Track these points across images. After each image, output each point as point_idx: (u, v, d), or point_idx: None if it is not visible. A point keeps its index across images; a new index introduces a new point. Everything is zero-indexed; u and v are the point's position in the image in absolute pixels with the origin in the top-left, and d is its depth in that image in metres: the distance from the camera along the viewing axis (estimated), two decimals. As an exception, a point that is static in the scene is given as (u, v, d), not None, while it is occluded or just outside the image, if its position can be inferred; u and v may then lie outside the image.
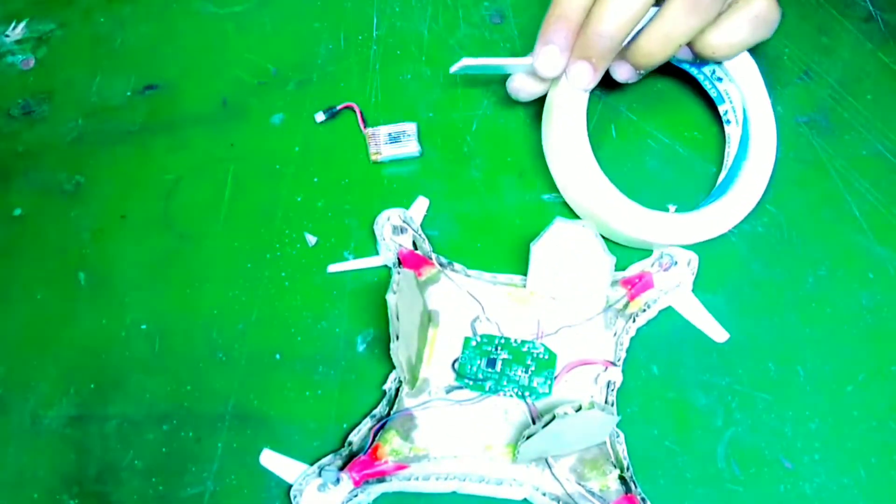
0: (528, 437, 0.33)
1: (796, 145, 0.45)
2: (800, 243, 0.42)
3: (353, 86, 0.48)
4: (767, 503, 0.36)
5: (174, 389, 0.39)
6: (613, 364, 0.38)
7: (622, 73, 0.41)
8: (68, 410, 0.39)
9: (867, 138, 0.45)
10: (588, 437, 0.35)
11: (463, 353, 0.38)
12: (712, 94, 0.45)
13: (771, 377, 0.39)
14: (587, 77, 0.40)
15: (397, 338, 0.34)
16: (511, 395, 0.37)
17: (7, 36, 0.51)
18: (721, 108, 0.45)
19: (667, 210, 0.42)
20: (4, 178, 0.45)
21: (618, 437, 0.36)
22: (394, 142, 0.45)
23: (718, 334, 0.40)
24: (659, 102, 0.47)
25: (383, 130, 0.46)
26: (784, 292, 0.41)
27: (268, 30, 0.50)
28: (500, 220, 0.43)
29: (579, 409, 0.32)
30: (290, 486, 0.36)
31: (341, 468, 0.35)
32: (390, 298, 0.33)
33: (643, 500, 0.35)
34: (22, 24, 0.51)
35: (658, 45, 0.39)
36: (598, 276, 0.38)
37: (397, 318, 0.33)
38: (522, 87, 0.43)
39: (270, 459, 0.37)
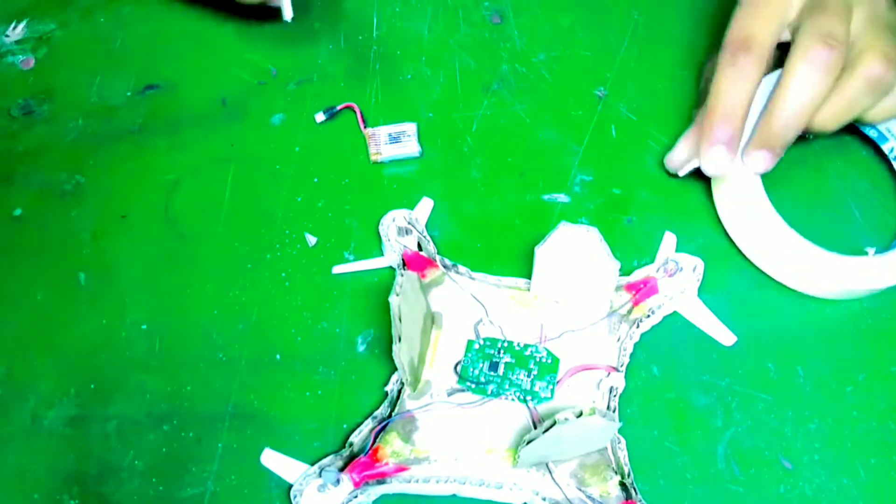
0: (528, 442, 0.33)
1: (796, 146, 0.45)
2: (800, 244, 0.42)
3: (353, 86, 0.48)
4: (767, 503, 0.36)
5: (174, 389, 0.39)
6: (616, 369, 0.38)
7: (762, 165, 0.40)
8: (68, 410, 0.39)
9: (867, 138, 0.45)
10: (589, 442, 0.35)
11: (465, 355, 0.38)
12: (872, 134, 0.44)
13: (771, 377, 0.39)
14: (767, 164, 0.39)
15: (399, 340, 0.34)
16: (513, 399, 0.37)
17: (7, 36, 0.51)
18: (885, 147, 0.44)
19: (865, 254, 0.41)
20: (5, 178, 0.45)
21: (619, 442, 0.36)
22: (394, 142, 0.45)
23: (726, 338, 0.40)
24: (659, 102, 0.47)
25: (383, 131, 0.46)
26: (784, 293, 0.41)
27: (268, 30, 0.50)
28: (500, 220, 0.43)
29: (580, 414, 0.32)
30: (290, 487, 0.36)
31: (342, 469, 0.35)
32: (393, 300, 0.33)
33: None
34: (22, 24, 0.51)
35: (832, 121, 0.39)
36: (602, 280, 0.38)
37: (400, 321, 0.33)
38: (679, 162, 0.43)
39: (271, 459, 0.37)
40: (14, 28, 0.51)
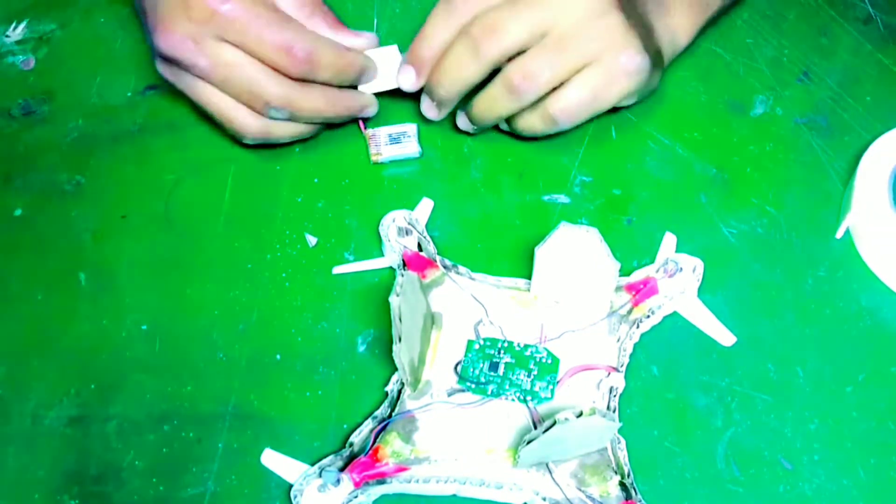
0: (528, 442, 0.33)
1: (796, 146, 0.45)
2: (799, 244, 0.42)
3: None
4: (767, 503, 0.36)
5: (175, 390, 0.39)
6: (616, 370, 0.38)
7: (461, 123, 0.45)
8: (69, 411, 0.39)
9: (867, 139, 0.45)
10: (589, 442, 0.35)
11: (466, 355, 0.38)
12: None
13: (770, 378, 0.39)
14: (433, 112, 0.45)
15: (400, 340, 0.34)
16: (513, 399, 0.37)
17: (8, 36, 0.51)
18: None
19: None
20: (5, 179, 0.45)
21: (619, 443, 0.36)
22: (394, 142, 0.45)
23: (725, 338, 0.40)
24: (659, 103, 0.47)
25: (384, 131, 0.46)
26: (784, 293, 0.41)
27: (268, 30, 0.50)
28: (500, 220, 0.44)
29: (580, 414, 0.32)
30: (290, 487, 0.36)
31: (342, 469, 0.35)
32: (393, 300, 0.33)
33: None
34: (22, 25, 0.51)
35: (484, 113, 0.43)
36: (602, 280, 0.38)
37: (400, 321, 0.33)
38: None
39: (272, 459, 0.37)
40: (14, 28, 0.51)
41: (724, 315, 0.40)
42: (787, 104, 0.47)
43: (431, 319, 0.39)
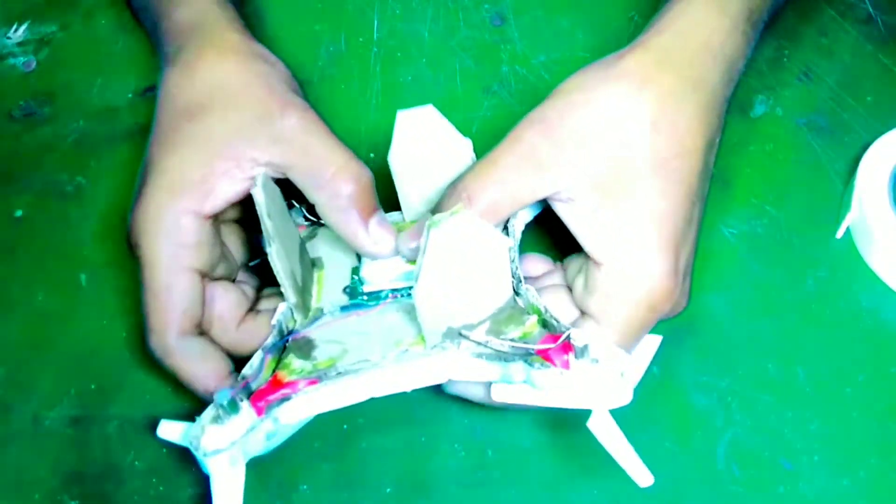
0: (416, 279, 0.30)
1: (796, 147, 0.45)
2: (799, 244, 0.42)
3: (353, 88, 0.48)
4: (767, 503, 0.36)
5: (174, 390, 0.39)
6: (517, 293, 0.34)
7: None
8: (69, 411, 0.39)
9: (867, 140, 0.45)
10: (483, 274, 0.31)
11: (352, 278, 0.37)
12: None
13: (770, 378, 0.39)
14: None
15: (272, 243, 0.32)
16: (411, 296, 0.32)
17: (9, 38, 0.51)
18: None
19: None
20: (6, 180, 0.45)
21: (516, 261, 0.34)
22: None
23: (642, 477, 0.31)
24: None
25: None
26: (783, 293, 0.41)
27: (268, 31, 0.50)
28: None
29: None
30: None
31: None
32: (257, 194, 0.31)
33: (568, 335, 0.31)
34: (23, 27, 0.51)
35: None
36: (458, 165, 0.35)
37: (269, 218, 0.31)
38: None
39: (169, 430, 0.33)
40: (15, 30, 0.51)
41: (724, 315, 0.40)
42: (787, 104, 0.47)
43: (311, 263, 0.38)
